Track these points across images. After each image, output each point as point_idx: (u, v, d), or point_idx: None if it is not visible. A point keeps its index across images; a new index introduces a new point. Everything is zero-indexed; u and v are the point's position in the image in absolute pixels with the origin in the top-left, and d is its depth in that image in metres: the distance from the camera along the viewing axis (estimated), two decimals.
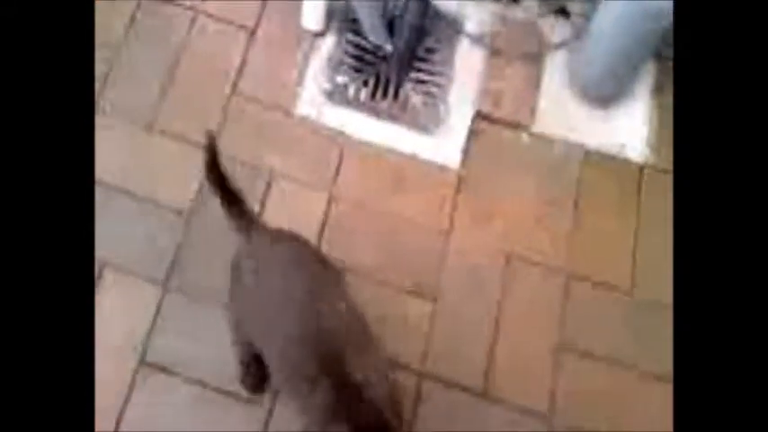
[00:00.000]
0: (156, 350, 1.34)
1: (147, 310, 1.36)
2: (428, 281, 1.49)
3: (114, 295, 1.37)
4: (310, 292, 0.97)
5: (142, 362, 1.33)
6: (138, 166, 1.46)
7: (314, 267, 1.04)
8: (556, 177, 1.60)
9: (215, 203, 1.44)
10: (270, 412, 1.34)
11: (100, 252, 1.38)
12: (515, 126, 1.64)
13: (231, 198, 1.07)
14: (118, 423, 1.29)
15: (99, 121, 1.45)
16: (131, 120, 1.48)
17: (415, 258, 1.50)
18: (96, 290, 1.36)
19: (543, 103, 1.68)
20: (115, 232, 1.41)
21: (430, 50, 1.64)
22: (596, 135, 1.65)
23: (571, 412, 1.40)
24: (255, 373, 1.26)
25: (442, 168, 1.58)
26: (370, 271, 1.45)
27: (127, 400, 1.29)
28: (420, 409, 1.39)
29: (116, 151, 1.45)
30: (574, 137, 1.66)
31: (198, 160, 1.42)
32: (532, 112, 1.66)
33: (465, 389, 1.41)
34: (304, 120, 1.54)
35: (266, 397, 1.34)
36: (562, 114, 1.67)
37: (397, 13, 1.59)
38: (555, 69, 1.70)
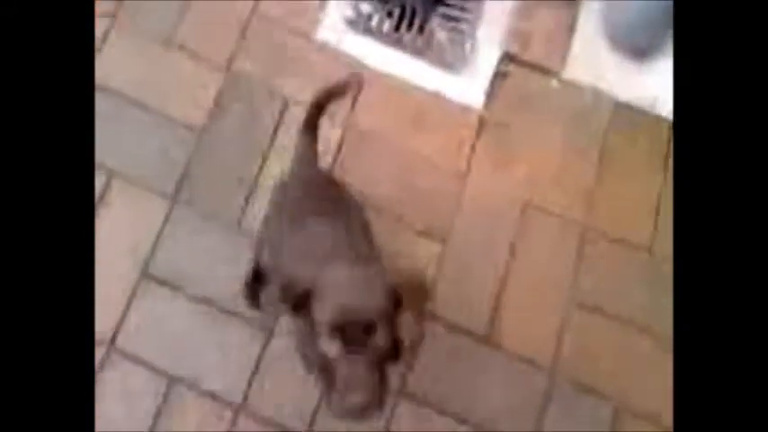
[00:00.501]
0: (159, 264, 1.38)
1: (154, 223, 1.39)
2: (440, 222, 1.49)
3: (121, 206, 1.40)
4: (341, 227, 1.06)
5: (145, 274, 1.37)
6: (153, 81, 1.47)
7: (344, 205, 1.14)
8: (583, 127, 1.58)
9: (226, 122, 1.47)
10: (271, 333, 1.37)
11: (110, 162, 1.40)
12: (544, 71, 1.61)
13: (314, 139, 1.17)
14: (116, 331, 1.33)
15: (117, 34, 1.45)
16: (150, 35, 1.49)
17: (429, 198, 1.50)
18: (104, 200, 1.40)
19: (575, 49, 1.64)
20: (126, 144, 1.44)
21: None
22: (628, 87, 1.62)
23: (573, 366, 1.41)
24: (261, 288, 1.33)
25: (465, 109, 1.55)
26: (382, 204, 1.46)
27: (127, 309, 1.34)
28: (420, 348, 1.40)
29: (133, 65, 1.47)
30: (605, 87, 1.63)
31: (213, 78, 1.44)
32: (563, 57, 1.63)
33: (468, 333, 1.43)
34: (323, 46, 1.52)
35: (268, 320, 1.37)
36: (594, 63, 1.63)
37: None
38: (590, 14, 1.66)
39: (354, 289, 0.89)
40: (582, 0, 1.66)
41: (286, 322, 1.34)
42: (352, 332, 0.86)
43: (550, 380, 1.40)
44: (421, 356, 1.39)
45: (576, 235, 1.50)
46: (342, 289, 0.88)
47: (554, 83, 1.61)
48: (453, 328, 1.42)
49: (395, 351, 1.05)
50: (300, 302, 0.88)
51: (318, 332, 0.87)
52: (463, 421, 1.36)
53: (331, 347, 0.87)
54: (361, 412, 0.88)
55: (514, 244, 1.49)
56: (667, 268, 1.46)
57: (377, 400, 0.89)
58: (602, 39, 1.65)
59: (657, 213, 1.53)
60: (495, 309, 1.44)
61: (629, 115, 1.60)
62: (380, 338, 0.88)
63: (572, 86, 1.61)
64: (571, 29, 1.65)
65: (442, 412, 1.36)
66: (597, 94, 1.62)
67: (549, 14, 1.63)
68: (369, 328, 0.87)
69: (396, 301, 0.90)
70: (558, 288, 1.47)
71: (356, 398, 0.86)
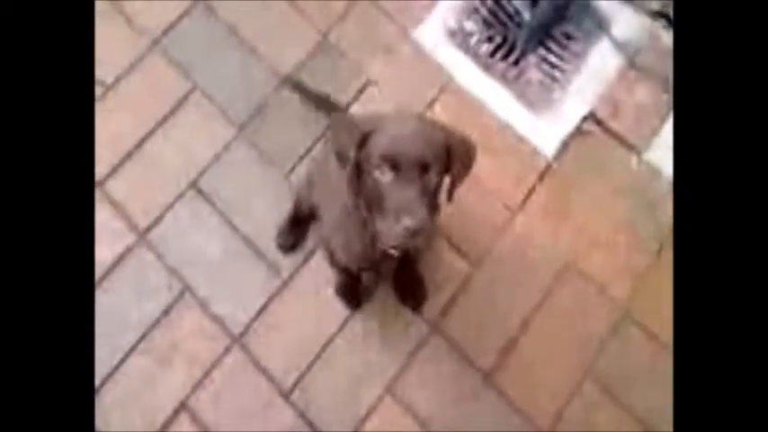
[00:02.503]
0: (208, 181, 1.59)
1: (217, 144, 1.61)
2: (477, 246, 1.62)
3: (191, 119, 1.62)
4: None
5: (192, 184, 1.59)
6: (260, 20, 1.71)
7: None
8: (650, 213, 1.67)
9: (309, 82, 1.64)
10: (285, 284, 1.52)
11: (193, 74, 1.58)
12: (627, 144, 1.72)
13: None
14: (150, 226, 1.55)
15: None
16: None
17: (473, 219, 1.63)
18: (178, 110, 1.63)
19: (664, 135, 1.75)
20: (214, 64, 1.67)
21: (568, 36, 1.76)
22: None
23: None
24: (294, 236, 1.53)
25: (534, 151, 1.67)
26: None
27: (168, 210, 1.55)
28: (420, 353, 1.49)
29: (250, 4, 1.71)
30: None
31: (309, 38, 1.64)
32: (650, 138, 1.74)
33: (471, 362, 1.52)
34: (417, 45, 1.72)
35: (286, 270, 1.54)
36: None
37: None
38: None
39: (412, 129, 1.03)
40: None
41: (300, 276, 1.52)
42: (406, 166, 0.99)
43: None
44: (425, 367, 1.49)
45: (610, 312, 1.58)
46: (401, 128, 1.03)
47: (633, 160, 1.72)
48: (458, 350, 1.51)
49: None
50: (363, 141, 1.02)
51: (373, 165, 1.00)
52: None
53: (384, 174, 1.00)
54: (414, 235, 0.98)
55: (545, 296, 1.58)
56: None
57: (428, 225, 0.99)
58: None
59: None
60: (506, 351, 1.53)
61: None
62: (432, 179, 1.01)
63: (650, 169, 1.71)
64: (666, 115, 1.75)
65: (424, 426, 1.45)
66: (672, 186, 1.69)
67: (649, 93, 1.76)
68: (423, 167, 1.00)
69: (448, 155, 1.04)
70: (576, 355, 1.54)
71: (408, 220, 0.97)
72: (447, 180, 1.07)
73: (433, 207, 1.06)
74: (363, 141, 1.02)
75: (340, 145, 1.08)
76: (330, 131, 1.15)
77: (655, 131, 1.73)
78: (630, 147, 1.71)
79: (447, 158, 1.04)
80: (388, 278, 1.52)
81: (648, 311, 1.57)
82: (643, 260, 1.61)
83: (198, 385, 1.43)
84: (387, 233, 1.00)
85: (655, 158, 1.72)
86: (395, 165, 0.99)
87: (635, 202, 1.67)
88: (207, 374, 1.44)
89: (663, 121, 1.75)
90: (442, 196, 1.09)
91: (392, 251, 1.13)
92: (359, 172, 1.04)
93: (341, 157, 1.07)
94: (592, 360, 1.52)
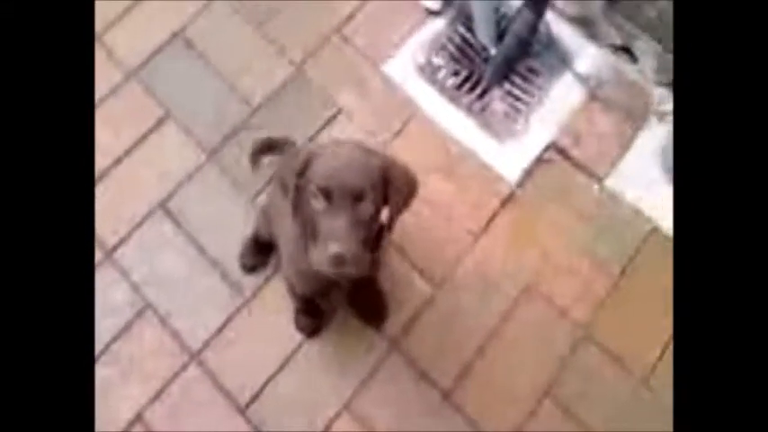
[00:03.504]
0: (176, 202, 1.74)
1: (188, 166, 1.77)
2: (439, 269, 1.74)
3: (164, 143, 1.79)
4: None
5: (161, 204, 1.73)
6: (235, 52, 1.90)
7: None
8: (612, 239, 1.79)
9: (279, 111, 1.85)
10: (246, 303, 1.65)
11: (166, 102, 1.82)
12: (588, 172, 1.86)
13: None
14: (117, 244, 1.69)
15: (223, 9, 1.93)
16: (247, 17, 1.94)
17: (436, 243, 1.76)
18: (152, 134, 1.80)
19: (626, 164, 1.88)
20: (189, 93, 1.85)
21: (532, 71, 1.93)
22: (670, 219, 1.80)
23: None
24: (256, 257, 1.65)
25: (498, 178, 1.82)
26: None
27: (135, 228, 1.71)
28: (379, 371, 1.59)
29: (223, 32, 1.92)
30: (647, 210, 1.84)
31: (283, 69, 1.88)
32: (611, 166, 1.89)
33: (430, 380, 1.62)
34: (388, 79, 1.90)
35: (249, 290, 1.66)
36: (641, 184, 1.86)
37: (508, 20, 1.89)
38: (651, 139, 1.91)
39: (349, 158, 1.11)
40: (646, 123, 1.90)
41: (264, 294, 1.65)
42: (339, 195, 1.07)
43: None
44: (384, 386, 1.59)
45: (571, 335, 1.69)
46: (339, 157, 1.12)
47: (595, 187, 1.85)
48: (418, 370, 1.62)
49: (376, 238, 1.23)
50: (302, 169, 1.11)
51: (310, 194, 1.10)
52: None
53: (318, 202, 1.09)
54: (340, 263, 1.07)
55: (505, 317, 1.69)
56: (658, 406, 1.60)
57: (356, 255, 1.08)
58: (657, 166, 1.86)
59: (665, 351, 1.67)
60: (466, 370, 1.63)
61: (663, 245, 1.79)
62: (366, 208, 1.10)
63: (612, 197, 1.84)
64: (628, 144, 1.90)
65: None
66: (636, 213, 1.83)
67: (610, 123, 1.91)
68: (356, 197, 1.08)
69: (385, 185, 1.12)
70: (536, 375, 1.64)
71: (335, 247, 1.05)
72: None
73: (369, 236, 1.14)
74: (303, 170, 1.11)
75: (281, 174, 1.17)
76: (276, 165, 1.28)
77: (616, 160, 1.87)
78: (592, 174, 1.85)
79: (385, 189, 1.12)
80: (349, 298, 1.63)
81: (609, 333, 1.67)
82: (605, 283, 1.72)
83: (155, 398, 1.53)
84: (317, 260, 1.09)
85: (616, 186, 1.85)
86: (328, 194, 1.07)
87: (596, 227, 1.79)
88: (164, 389, 1.54)
89: (624, 149, 1.89)
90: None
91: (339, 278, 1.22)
92: (299, 200, 1.13)
93: (283, 186, 1.16)
94: (552, 379, 1.62)
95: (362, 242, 1.10)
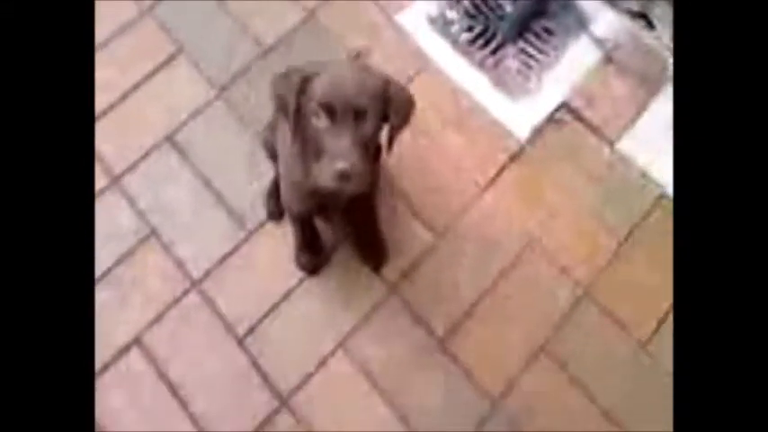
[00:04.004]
0: (184, 135, 1.82)
1: (197, 101, 1.85)
2: (442, 219, 1.79)
3: (175, 78, 1.87)
4: None
5: (168, 137, 1.81)
6: None
7: None
8: (620, 202, 1.84)
9: (290, 55, 1.88)
10: (249, 236, 1.72)
11: (180, 36, 1.91)
12: (600, 135, 1.90)
13: None
14: (124, 171, 1.78)
15: None
16: None
17: (441, 193, 1.81)
18: (163, 68, 1.88)
19: (638, 128, 1.92)
20: (203, 31, 1.93)
21: (547, 31, 1.98)
22: None
23: (517, 408, 1.60)
24: (279, 203, 1.66)
25: (508, 134, 1.86)
26: (394, 179, 1.80)
27: (142, 158, 1.79)
28: (376, 313, 1.65)
29: None
30: (657, 175, 1.87)
31: (296, 13, 1.97)
32: (623, 130, 1.92)
33: (426, 327, 1.67)
34: (400, 29, 1.96)
35: (252, 224, 1.73)
36: (653, 149, 1.90)
37: None
38: (665, 105, 1.95)
39: (350, 76, 1.16)
40: (662, 89, 1.94)
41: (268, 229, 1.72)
42: (342, 112, 1.12)
43: (491, 410, 1.59)
44: (380, 328, 1.64)
45: (572, 293, 1.73)
46: (339, 73, 1.16)
47: (606, 150, 1.89)
48: (414, 316, 1.67)
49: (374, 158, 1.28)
50: (302, 87, 1.15)
51: (311, 112, 1.14)
52: (390, 404, 1.58)
53: (321, 120, 1.13)
54: (345, 179, 1.12)
55: (505, 271, 1.74)
56: (656, 371, 1.64)
57: (360, 171, 1.13)
58: (669, 132, 1.89)
59: (666, 317, 1.70)
60: (463, 319, 1.68)
61: (671, 211, 1.82)
62: (368, 125, 1.14)
63: (623, 161, 1.88)
64: (641, 109, 1.93)
65: (374, 385, 1.59)
66: (646, 177, 1.87)
67: (625, 87, 1.95)
68: (359, 114, 1.13)
69: (385, 104, 1.17)
70: (534, 331, 1.68)
71: (341, 164, 1.11)
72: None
73: (370, 154, 1.19)
74: (303, 88, 1.15)
75: (280, 93, 1.20)
76: (272, 83, 1.27)
77: (629, 124, 1.91)
78: (603, 137, 1.89)
79: (385, 107, 1.17)
80: (350, 238, 1.70)
81: (611, 295, 1.70)
82: (610, 246, 1.76)
83: (154, 323, 1.61)
84: (321, 177, 1.14)
85: (627, 149, 1.89)
86: (331, 111, 1.12)
87: (605, 189, 1.83)
88: (164, 314, 1.61)
89: (638, 114, 1.93)
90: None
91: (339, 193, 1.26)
92: (299, 119, 1.17)
93: (282, 106, 1.20)
94: (549, 335, 1.66)
95: (365, 158, 1.15)
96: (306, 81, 1.16)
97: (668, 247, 1.72)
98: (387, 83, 1.20)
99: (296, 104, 1.17)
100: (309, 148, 1.19)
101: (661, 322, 1.68)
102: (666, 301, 1.70)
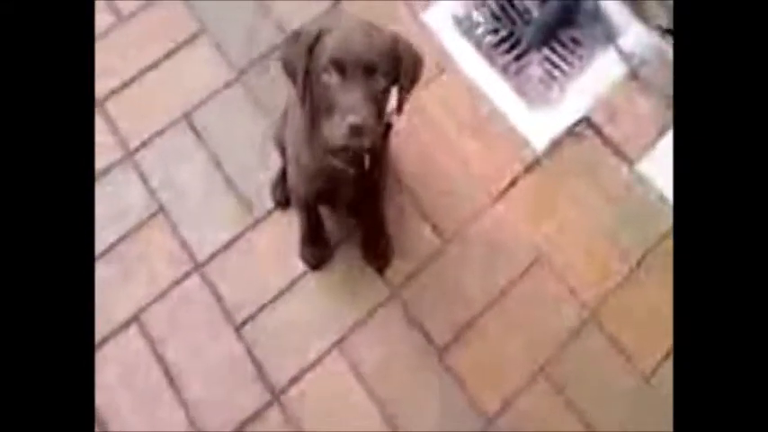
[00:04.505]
0: (200, 116, 1.89)
1: (216, 83, 1.92)
2: (451, 225, 1.83)
3: (196, 57, 1.95)
4: None
5: (185, 116, 1.89)
6: None
7: None
8: (636, 225, 1.86)
9: None
10: (256, 224, 1.78)
11: (204, 15, 1.98)
12: (620, 153, 1.94)
13: None
14: (138, 147, 1.85)
15: None
16: None
17: (452, 198, 1.85)
18: (184, 47, 1.96)
19: (659, 150, 1.96)
20: (227, 12, 2.00)
21: (574, 40, 2.02)
22: None
23: (511, 428, 1.63)
24: (285, 191, 1.71)
25: (525, 143, 1.91)
26: (407, 180, 1.84)
27: (157, 135, 1.86)
28: (375, 315, 1.70)
29: None
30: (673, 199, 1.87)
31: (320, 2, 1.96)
32: (643, 150, 1.95)
33: (425, 334, 1.72)
34: (423, 26, 2.01)
35: (259, 211, 1.79)
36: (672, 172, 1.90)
37: None
38: None
39: (360, 33, 1.18)
40: None
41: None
42: (352, 68, 1.15)
43: (484, 427, 1.63)
44: (377, 331, 1.69)
45: (578, 315, 1.76)
46: (348, 31, 1.19)
47: (624, 169, 1.92)
48: (413, 323, 1.71)
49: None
50: (311, 47, 1.19)
51: (321, 68, 1.17)
52: (382, 409, 1.63)
53: (331, 77, 1.16)
54: (357, 133, 1.14)
55: (511, 285, 1.77)
56: (657, 404, 1.66)
57: (371, 126, 1.16)
58: None
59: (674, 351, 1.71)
60: (464, 330, 1.72)
61: None
62: (379, 81, 1.17)
63: (641, 182, 1.91)
64: (665, 130, 1.96)
65: (367, 388, 1.64)
66: (664, 202, 1.89)
67: (650, 106, 1.98)
68: (369, 70, 1.16)
69: (395, 63, 1.20)
70: (535, 350, 1.71)
71: (352, 118, 1.13)
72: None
73: (381, 112, 1.22)
74: (312, 48, 1.19)
75: (288, 57, 1.23)
76: (280, 49, 1.29)
77: (650, 144, 1.94)
78: (623, 156, 1.92)
79: (395, 64, 1.20)
80: (355, 236, 1.74)
81: (618, 322, 1.73)
82: (621, 270, 1.79)
83: (153, 302, 1.67)
84: (333, 134, 1.16)
85: (647, 171, 1.92)
86: (341, 67, 1.15)
87: (621, 210, 1.86)
88: (164, 293, 1.67)
89: (660, 135, 1.96)
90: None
91: (345, 166, 1.32)
92: (309, 83, 1.20)
93: (290, 70, 1.23)
94: (550, 357, 1.69)
95: (376, 115, 1.18)
96: (315, 41, 1.20)
97: None
98: (396, 41, 1.23)
99: (305, 66, 1.20)
100: (319, 112, 1.22)
101: (667, 355, 1.70)
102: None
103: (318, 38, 1.20)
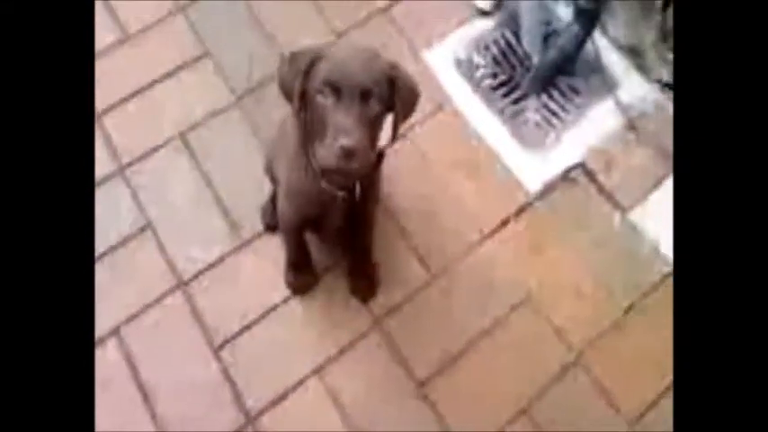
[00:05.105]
0: (196, 136, 2.01)
1: (214, 105, 2.04)
2: (440, 260, 1.92)
3: (197, 80, 2.08)
4: None
5: (181, 135, 2.00)
6: (280, 12, 2.19)
7: None
8: (626, 274, 1.95)
9: None
10: (242, 246, 1.87)
11: (208, 40, 2.13)
12: (613, 201, 2.03)
13: None
14: (130, 162, 1.96)
15: None
16: None
17: (442, 234, 1.94)
18: (186, 69, 2.10)
19: (652, 202, 2.06)
20: (230, 39, 2.15)
21: (572, 89, 2.15)
22: None
23: None
24: (275, 216, 1.76)
25: (518, 185, 2.01)
26: (398, 214, 1.94)
27: (151, 152, 1.98)
28: (357, 345, 1.76)
29: None
30: (666, 251, 1.98)
31: (326, 32, 2.13)
32: (637, 200, 2.05)
33: (406, 367, 1.78)
34: (424, 65, 2.14)
35: (248, 233, 1.88)
36: (667, 226, 2.00)
37: (554, 30, 2.15)
38: None
39: (357, 57, 1.26)
40: None
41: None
42: (348, 91, 1.21)
43: None
44: (358, 361, 1.75)
45: (563, 357, 1.82)
46: (346, 54, 1.27)
47: (616, 217, 2.01)
48: (394, 353, 1.78)
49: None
50: (308, 69, 1.25)
51: (316, 89, 1.24)
52: None
53: (325, 98, 1.23)
54: (349, 156, 1.20)
55: (497, 323, 1.84)
56: None
57: (364, 150, 1.22)
58: None
59: (659, 399, 1.78)
60: (446, 366, 1.78)
61: None
62: (373, 106, 1.24)
63: (633, 231, 2.00)
64: (660, 182, 2.07)
65: (344, 418, 1.70)
66: (655, 252, 1.98)
67: (645, 157, 2.09)
68: (364, 94, 1.22)
69: (391, 90, 1.26)
70: (517, 389, 1.77)
71: (345, 140, 1.19)
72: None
73: (374, 138, 1.29)
74: (309, 70, 1.25)
75: (285, 79, 1.30)
76: (278, 68, 1.35)
77: (644, 194, 2.04)
78: (616, 203, 2.02)
79: (390, 92, 1.26)
80: (342, 265, 1.82)
81: (604, 367, 1.79)
82: (609, 315, 1.86)
83: (134, 317, 1.74)
84: (325, 155, 1.22)
85: (639, 220, 2.01)
86: (336, 89, 1.21)
87: (612, 257, 1.95)
88: (145, 309, 1.75)
89: (654, 186, 2.06)
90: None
91: (335, 191, 1.40)
92: (304, 104, 1.27)
93: (285, 88, 1.30)
94: (533, 398, 1.74)
95: (369, 140, 1.25)
96: (313, 62, 1.26)
97: (670, 326, 1.81)
98: (393, 68, 1.29)
99: (302, 86, 1.26)
100: (313, 134, 1.27)
101: (653, 404, 1.75)
102: (662, 381, 1.78)
103: (316, 59, 1.26)
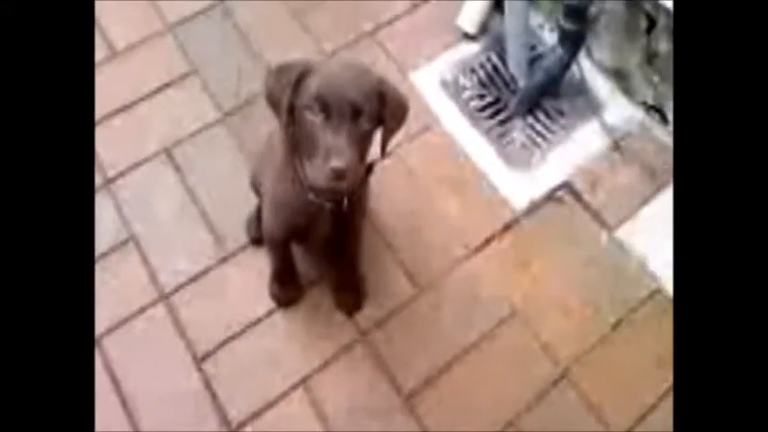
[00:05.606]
0: (181, 150, 2.11)
1: (200, 120, 2.15)
2: (426, 275, 1.99)
3: (184, 96, 2.19)
4: None
5: (167, 150, 2.11)
6: (268, 31, 2.34)
7: None
8: (613, 291, 2.03)
9: None
10: (226, 259, 1.94)
11: (195, 58, 2.25)
12: (599, 219, 2.12)
13: None
14: (117, 175, 2.06)
15: None
16: (289, 5, 2.40)
17: (429, 250, 2.02)
18: (174, 85, 2.22)
19: (640, 221, 2.16)
20: (218, 57, 2.28)
21: (558, 111, 2.27)
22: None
23: None
24: (260, 229, 1.84)
25: (504, 202, 2.11)
26: (385, 230, 2.03)
27: (135, 166, 2.08)
28: (342, 357, 1.83)
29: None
30: (653, 269, 2.06)
31: (313, 53, 2.26)
32: (625, 219, 2.13)
33: (391, 381, 1.83)
34: (411, 86, 2.25)
35: (232, 246, 1.97)
36: (654, 243, 2.11)
37: (540, 53, 2.26)
38: (671, 200, 2.15)
39: (347, 74, 1.28)
40: (669, 186, 2.18)
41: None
42: (337, 108, 1.24)
43: None
44: (343, 374, 1.81)
45: (550, 372, 1.88)
46: (335, 70, 1.30)
47: (603, 235, 2.10)
48: (381, 367, 1.83)
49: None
50: (297, 83, 1.27)
51: (305, 106, 1.26)
52: None
53: (314, 115, 1.25)
54: (339, 176, 1.23)
55: (484, 337, 1.91)
56: None
57: (354, 169, 1.25)
58: (671, 228, 2.11)
59: (646, 415, 1.83)
60: (432, 380, 1.84)
61: (663, 307, 2.00)
62: (363, 123, 1.27)
63: (620, 248, 2.08)
64: (646, 201, 2.16)
65: (326, 425, 1.74)
66: (642, 271, 2.06)
67: (631, 176, 2.19)
68: (354, 111, 1.25)
69: (380, 105, 1.29)
70: (502, 405, 1.82)
71: (335, 161, 1.22)
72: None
73: (363, 154, 1.32)
74: (297, 85, 1.27)
75: (273, 92, 1.31)
76: (265, 79, 1.37)
77: (630, 214, 2.13)
78: (602, 222, 2.11)
79: (380, 108, 1.29)
80: (327, 278, 1.90)
81: (590, 381, 1.84)
82: (596, 331, 1.92)
83: (115, 328, 1.80)
84: (315, 175, 1.26)
85: (627, 237, 2.10)
86: (325, 105, 1.23)
87: (599, 273, 2.02)
88: (127, 321, 1.81)
89: (640, 206, 2.15)
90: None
91: (323, 202, 1.47)
92: (292, 118, 1.29)
93: (273, 101, 1.32)
94: (519, 412, 1.79)
95: (359, 158, 1.28)
96: (302, 75, 1.28)
97: (657, 342, 1.89)
98: (382, 83, 1.32)
99: (290, 100, 1.28)
100: (300, 147, 1.31)
101: (640, 419, 1.80)
102: (648, 396, 1.83)
103: (305, 73, 1.28)
